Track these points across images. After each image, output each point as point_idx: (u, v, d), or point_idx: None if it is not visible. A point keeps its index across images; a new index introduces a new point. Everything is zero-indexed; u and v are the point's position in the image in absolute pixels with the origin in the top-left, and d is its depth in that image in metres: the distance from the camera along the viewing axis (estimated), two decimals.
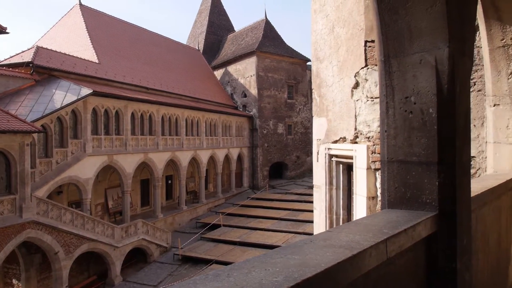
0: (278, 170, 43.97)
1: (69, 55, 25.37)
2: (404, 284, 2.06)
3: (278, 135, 42.66)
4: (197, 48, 46.83)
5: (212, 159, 35.00)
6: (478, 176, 5.17)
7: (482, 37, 4.85)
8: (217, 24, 51.50)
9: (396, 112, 2.39)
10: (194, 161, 32.84)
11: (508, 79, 4.77)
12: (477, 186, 3.50)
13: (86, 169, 21.47)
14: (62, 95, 20.65)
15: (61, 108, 19.76)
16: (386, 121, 2.45)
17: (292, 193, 37.03)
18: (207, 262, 22.69)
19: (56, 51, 24.59)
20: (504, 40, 4.67)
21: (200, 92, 37.13)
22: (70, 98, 20.55)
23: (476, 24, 5.16)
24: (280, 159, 43.04)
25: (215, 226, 28.92)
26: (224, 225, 28.92)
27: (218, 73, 45.35)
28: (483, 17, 4.65)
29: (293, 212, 30.69)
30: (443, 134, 2.23)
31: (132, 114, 25.70)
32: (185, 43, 47.62)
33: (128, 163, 24.72)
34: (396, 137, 2.40)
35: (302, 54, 44.54)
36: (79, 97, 20.76)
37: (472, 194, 3.07)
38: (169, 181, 32.54)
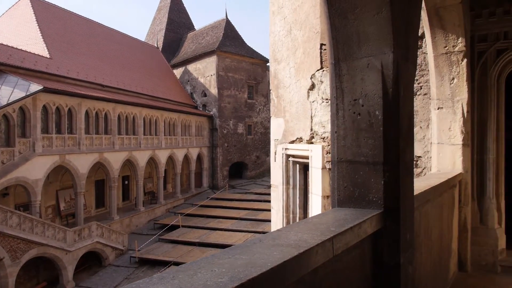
0: (238, 170, 44.01)
1: (17, 48, 23.89)
2: (351, 280, 2.13)
3: (238, 135, 42.70)
4: (156, 45, 45.78)
5: (171, 159, 34.38)
6: (424, 175, 5.46)
7: (427, 44, 5.13)
8: (177, 22, 50.64)
9: (346, 114, 2.47)
10: (152, 161, 32.09)
11: (450, 84, 5.07)
12: (421, 185, 3.70)
13: (35, 170, 20.32)
14: (8, 91, 19.41)
15: (8, 105, 18.58)
16: (336, 122, 2.52)
17: (252, 192, 37.19)
18: (165, 264, 22.26)
19: (2, 44, 23.08)
20: (447, 48, 4.96)
21: (159, 90, 36.35)
22: (18, 94, 19.37)
23: (422, 32, 5.45)
24: (240, 159, 43.10)
25: (173, 227, 28.43)
26: (183, 226, 28.51)
27: (178, 72, 44.62)
28: (428, 25, 4.92)
29: (253, 211, 30.85)
30: (388, 136, 2.34)
31: (87, 112, 24.68)
32: (143, 40, 46.40)
33: (82, 163, 23.71)
34: (345, 138, 2.48)
35: (263, 54, 44.92)
36: (27, 93, 19.61)
37: (417, 192, 3.24)
38: (126, 182, 31.58)
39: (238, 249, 1.58)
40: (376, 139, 2.36)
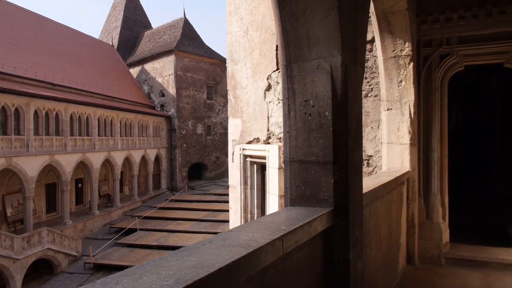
0: (198, 171, 43.55)
1: None
2: (303, 277, 2.18)
3: (197, 135, 42.25)
4: (111, 43, 44.22)
5: (127, 161, 33.35)
6: (375, 173, 5.69)
7: (377, 48, 5.35)
8: (133, 19, 49.22)
9: (297, 115, 2.52)
10: (107, 163, 30.96)
11: (399, 86, 5.32)
12: (371, 183, 3.85)
13: None
14: None
15: None
16: (288, 122, 2.56)
17: (211, 193, 36.93)
18: (122, 268, 21.44)
19: None
20: (395, 52, 5.20)
21: (114, 90, 35.13)
22: None
23: (372, 36, 5.68)
24: (199, 160, 42.67)
25: (131, 231, 27.61)
26: (140, 229, 27.76)
27: (134, 71, 43.39)
28: (378, 30, 5.14)
29: (213, 212, 30.64)
30: (337, 136, 2.41)
31: (36, 112, 23.36)
32: (98, 38, 44.66)
33: (31, 166, 22.41)
34: (297, 138, 2.52)
35: (222, 55, 44.76)
36: None
37: (367, 190, 3.36)
38: (80, 185, 30.25)
39: (187, 251, 1.56)
40: (326, 139, 2.42)
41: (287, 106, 2.56)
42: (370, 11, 5.19)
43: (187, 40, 42.35)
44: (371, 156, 5.86)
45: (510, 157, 9.16)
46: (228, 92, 8.02)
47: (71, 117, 26.43)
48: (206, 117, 43.05)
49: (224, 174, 44.32)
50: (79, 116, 27.32)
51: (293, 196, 2.55)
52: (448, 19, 5.53)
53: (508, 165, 9.15)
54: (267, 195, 6.81)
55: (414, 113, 5.40)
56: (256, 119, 6.86)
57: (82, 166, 28.37)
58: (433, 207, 5.72)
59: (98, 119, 29.06)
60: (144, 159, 35.88)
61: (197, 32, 44.64)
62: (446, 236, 5.77)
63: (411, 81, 5.31)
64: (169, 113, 39.91)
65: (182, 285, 1.18)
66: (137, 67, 43.53)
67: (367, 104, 5.94)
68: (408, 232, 5.38)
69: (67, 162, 25.58)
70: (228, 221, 25.75)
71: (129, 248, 24.69)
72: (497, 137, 10.21)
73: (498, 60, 5.56)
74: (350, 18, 2.48)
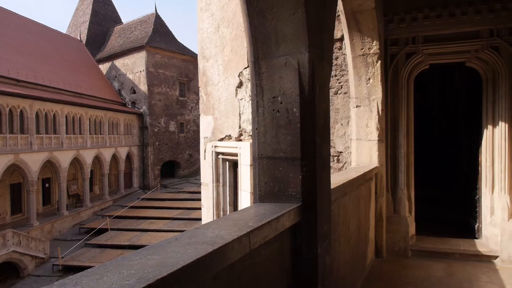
0: (171, 169, 42.98)
1: None
2: (271, 273, 2.19)
3: (170, 133, 41.67)
4: (79, 38, 42.83)
5: (97, 159, 32.46)
6: (345, 169, 5.79)
7: (346, 46, 5.44)
8: (102, 14, 47.83)
9: (265, 111, 2.53)
10: (76, 162, 30.03)
11: (367, 83, 5.44)
12: (340, 178, 3.91)
13: None
14: None
15: None
16: (256, 119, 2.56)
17: (184, 191, 36.55)
18: None
19: None
20: (363, 50, 5.31)
21: (83, 86, 34.05)
22: None
23: (342, 34, 5.77)
24: (172, 157, 42.12)
25: (101, 231, 26.94)
26: (111, 229, 27.13)
27: (104, 67, 42.21)
28: (347, 28, 5.22)
29: (186, 211, 30.36)
30: (305, 132, 2.43)
31: None
32: (65, 33, 43.13)
33: None
34: (265, 135, 2.53)
35: (194, 51, 44.26)
36: None
37: (335, 185, 3.42)
38: (47, 185, 29.19)
39: (151, 249, 1.53)
40: (294, 135, 2.44)
41: (255, 102, 2.56)
42: (339, 9, 5.27)
43: (158, 36, 41.60)
44: (341, 152, 5.97)
45: (475, 154, 9.55)
46: (200, 89, 7.95)
47: (37, 115, 25.44)
48: (179, 115, 42.51)
49: (198, 172, 43.96)
50: (46, 114, 26.34)
51: (262, 192, 2.55)
52: (413, 18, 5.69)
53: (473, 162, 9.54)
54: (239, 192, 6.81)
55: (382, 110, 5.53)
56: (228, 116, 6.84)
57: (49, 165, 27.40)
58: (400, 201, 5.89)
59: (66, 116, 28.11)
60: (115, 158, 35.04)
61: (169, 28, 43.94)
62: (412, 229, 5.96)
63: (379, 78, 5.43)
64: (141, 110, 39.13)
65: (144, 284, 1.16)
66: (106, 63, 42.37)
67: (337, 101, 6.04)
68: (377, 226, 5.52)
69: (33, 161, 24.63)
70: (201, 219, 25.56)
71: (100, 249, 24.10)
72: (461, 135, 10.63)
73: (461, 59, 5.78)
74: (317, 15, 2.51)
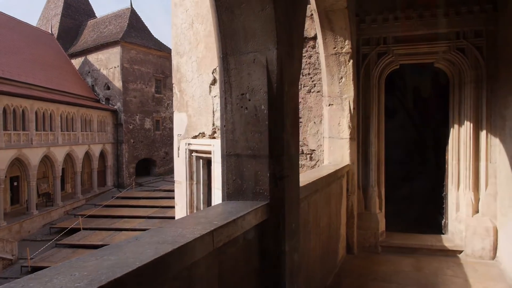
0: (146, 167, 42.27)
1: None
2: (238, 270, 2.17)
3: (146, 130, 40.96)
4: (50, 32, 41.42)
5: (69, 157, 31.53)
6: (318, 167, 5.84)
7: (319, 45, 5.47)
8: (75, 7, 46.39)
9: (234, 108, 2.50)
10: (47, 159, 29.07)
11: (339, 82, 5.49)
12: (312, 176, 3.94)
13: None
14: None
15: None
16: (225, 116, 2.53)
17: (160, 190, 36.03)
18: None
19: None
20: (336, 49, 5.36)
21: (54, 81, 32.92)
22: None
23: (315, 33, 5.80)
24: (147, 155, 41.43)
25: (73, 231, 26.21)
26: (84, 229, 26.45)
27: (77, 62, 40.98)
28: (320, 27, 5.25)
29: (162, 209, 29.95)
30: (273, 130, 2.42)
31: None
32: (35, 26, 41.60)
33: None
34: (233, 132, 2.50)
35: (170, 48, 43.54)
36: None
37: (306, 183, 3.43)
38: (15, 183, 28.11)
39: (109, 250, 1.48)
40: (262, 133, 2.42)
41: (223, 99, 2.53)
42: (312, 8, 5.29)
43: (134, 31, 40.75)
44: (313, 150, 6.01)
45: (443, 154, 9.84)
46: (174, 85, 7.83)
47: (4, 110, 24.45)
48: (155, 112, 41.83)
49: (174, 169, 43.43)
50: (14, 109, 25.35)
51: (230, 190, 2.53)
52: (385, 19, 5.79)
53: (442, 161, 9.82)
54: (213, 190, 6.76)
55: (354, 108, 5.61)
56: (201, 113, 6.77)
57: (18, 163, 26.41)
58: (371, 199, 6.00)
59: (36, 112, 27.13)
60: (88, 155, 34.12)
61: (145, 23, 43.13)
62: (382, 225, 6.08)
63: (351, 78, 5.50)
64: (115, 107, 38.24)
65: (95, 287, 1.11)
66: (79, 58, 41.13)
67: (310, 100, 6.08)
68: (348, 223, 5.59)
69: (0, 159, 23.68)
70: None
71: (71, 249, 23.46)
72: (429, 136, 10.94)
73: (430, 60, 5.92)
74: (287, 12, 2.50)
